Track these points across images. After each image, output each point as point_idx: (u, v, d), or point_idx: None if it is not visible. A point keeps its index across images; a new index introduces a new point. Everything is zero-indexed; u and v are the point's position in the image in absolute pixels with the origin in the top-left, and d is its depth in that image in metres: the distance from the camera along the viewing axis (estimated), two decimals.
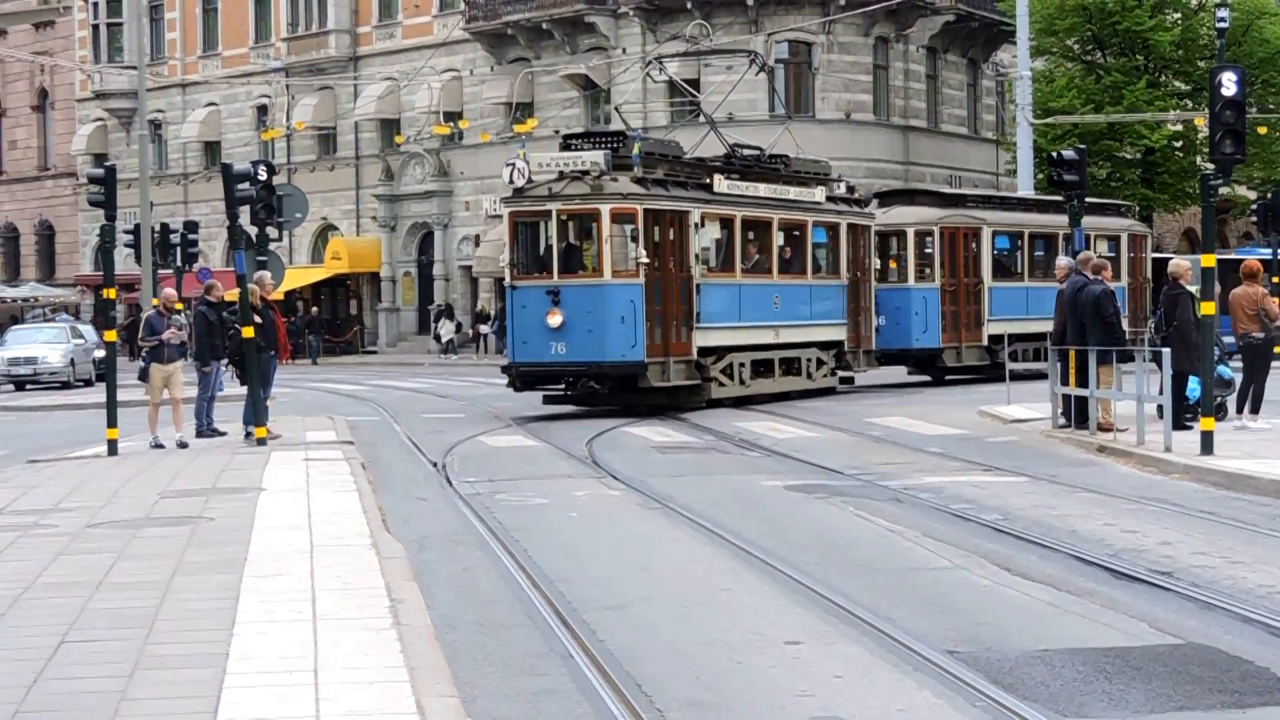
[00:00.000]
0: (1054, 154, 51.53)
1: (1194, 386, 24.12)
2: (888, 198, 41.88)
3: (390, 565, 14.83)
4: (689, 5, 61.07)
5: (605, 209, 30.72)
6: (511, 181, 31.52)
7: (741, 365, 34.20)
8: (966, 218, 42.87)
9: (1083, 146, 52.73)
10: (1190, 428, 23.71)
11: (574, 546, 17.03)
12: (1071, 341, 27.10)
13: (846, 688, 10.71)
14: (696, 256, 32.27)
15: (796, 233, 36.36)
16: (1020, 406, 32.01)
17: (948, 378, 42.71)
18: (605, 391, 32.14)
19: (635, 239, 31.10)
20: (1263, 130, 54.88)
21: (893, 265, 41.89)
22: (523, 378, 32.12)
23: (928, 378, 43.01)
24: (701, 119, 42.81)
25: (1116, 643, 11.92)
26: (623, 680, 10.76)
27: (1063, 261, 36.66)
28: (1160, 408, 24.47)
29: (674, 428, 31.11)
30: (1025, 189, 53.66)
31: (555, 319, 30.53)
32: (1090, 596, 13.71)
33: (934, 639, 11.90)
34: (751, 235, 35.06)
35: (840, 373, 39.67)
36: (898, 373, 42.85)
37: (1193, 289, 25.04)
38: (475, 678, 10.80)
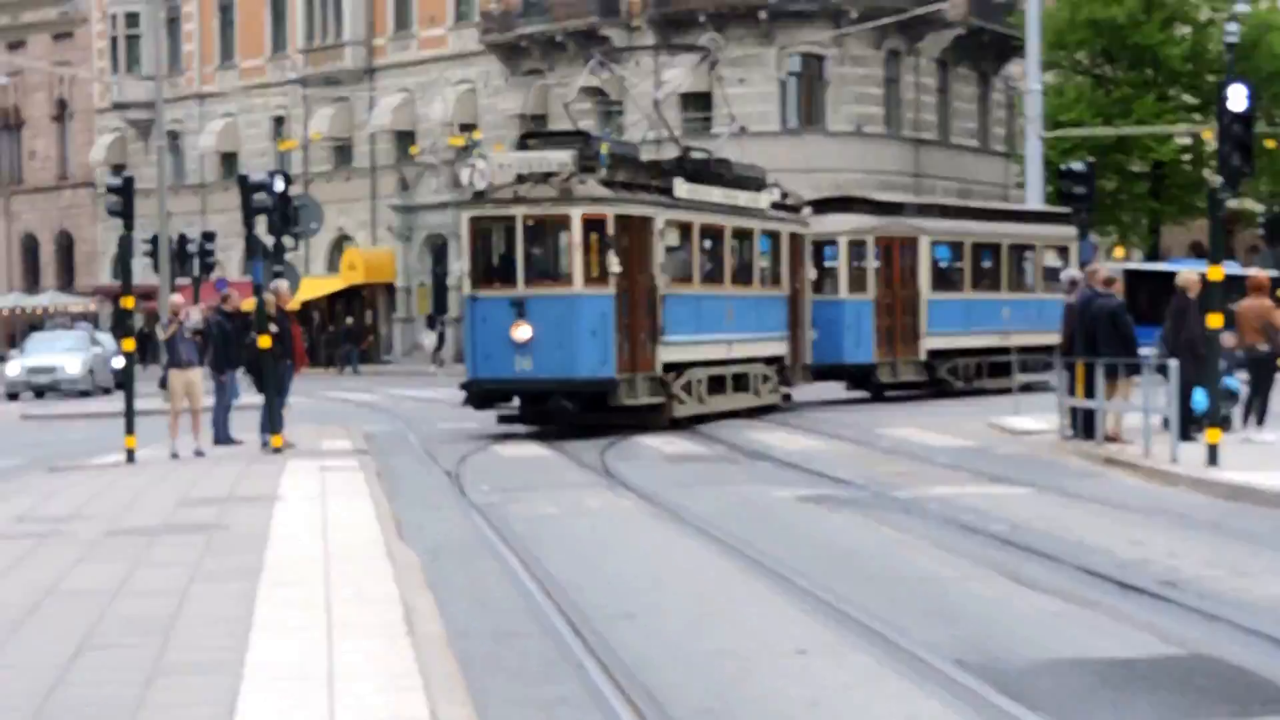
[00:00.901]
0: (1063, 167, 51.65)
1: (1200, 398, 24.09)
2: (822, 205, 40.97)
3: (404, 574, 14.86)
4: (701, 19, 61.13)
5: (577, 213, 29.08)
6: (471, 184, 30.13)
7: (699, 382, 33.11)
8: (903, 226, 41.76)
9: (1092, 160, 52.95)
10: (1196, 440, 23.70)
11: (586, 555, 17.04)
12: (1080, 354, 27.12)
13: (855, 697, 10.73)
14: (661, 266, 30.96)
15: (746, 241, 35.42)
16: (1029, 418, 31.94)
17: (886, 394, 41.86)
18: (575, 410, 29.85)
19: (607, 246, 29.34)
20: (1270, 144, 54.80)
21: (826, 276, 40.77)
22: (485, 395, 30.73)
23: (867, 394, 42.15)
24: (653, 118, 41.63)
25: (1123, 653, 11.93)
26: (634, 689, 10.79)
27: (1069, 274, 36.67)
28: (1166, 420, 24.50)
29: (685, 438, 30.99)
30: (1035, 201, 53.64)
31: (521, 332, 29.00)
32: (1096, 607, 13.72)
33: (942, 648, 11.92)
34: (708, 243, 33.98)
35: (781, 389, 38.56)
36: (835, 389, 42.35)
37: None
38: (488, 685, 10.82)
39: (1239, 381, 27.46)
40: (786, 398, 38.75)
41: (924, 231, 41.78)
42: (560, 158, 29.15)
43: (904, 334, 40.67)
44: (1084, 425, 27.09)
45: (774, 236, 36.59)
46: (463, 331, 31.84)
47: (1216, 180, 26.44)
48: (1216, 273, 24.55)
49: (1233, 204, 29.62)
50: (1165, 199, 63.92)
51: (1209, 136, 40.83)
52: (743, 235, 34.87)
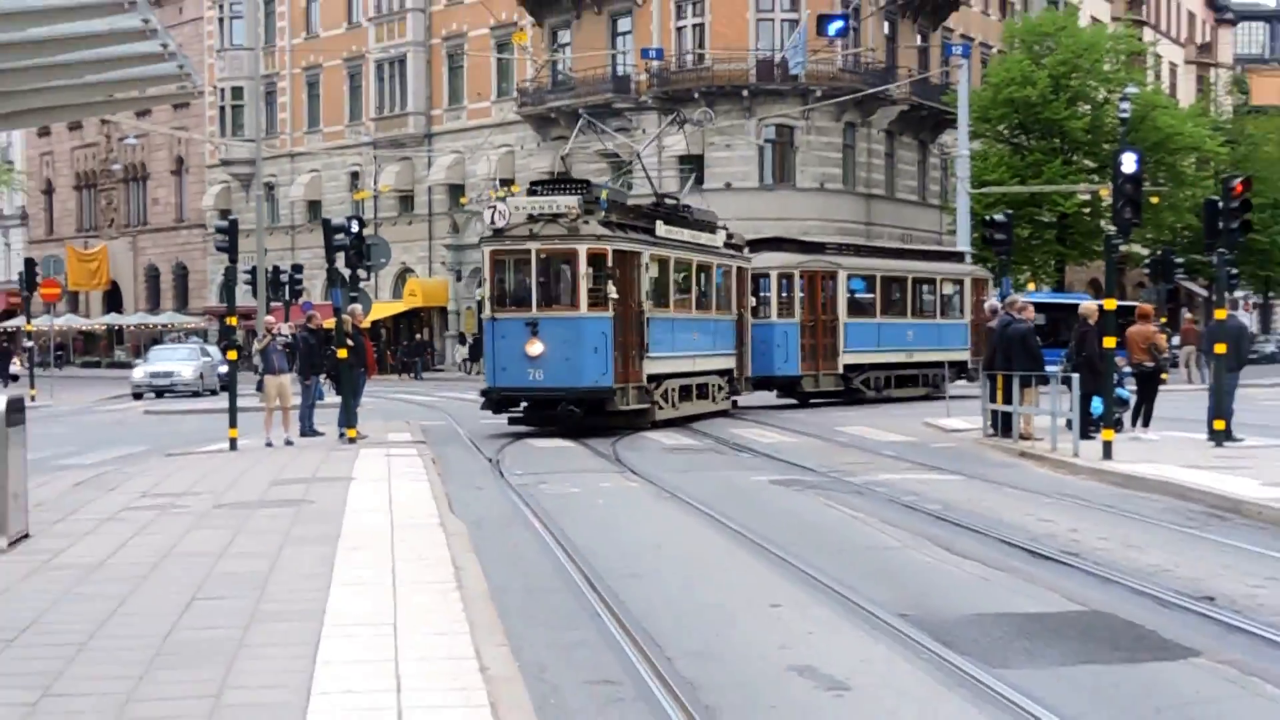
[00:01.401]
0: (987, 217, 51.62)
1: (1097, 404, 24.15)
2: (757, 244, 40.55)
3: (454, 540, 14.87)
4: (695, 95, 61.17)
5: (582, 249, 28.57)
6: (493, 223, 29.57)
7: (674, 390, 32.88)
8: (824, 262, 41.45)
9: (1010, 212, 52.98)
10: (1094, 438, 23.72)
11: (601, 527, 17.05)
12: (999, 368, 27.21)
13: (817, 642, 10.75)
14: (646, 293, 30.55)
15: (706, 273, 34.98)
16: (958, 419, 31.93)
17: (811, 401, 41.44)
18: (580, 414, 29.31)
19: (607, 276, 28.80)
20: (1155, 200, 54.82)
21: (761, 304, 40.25)
22: (501, 401, 29.93)
23: (795, 401, 41.68)
24: (638, 171, 41.14)
25: (1034, 609, 11.97)
26: (639, 634, 10.82)
27: (991, 304, 36.66)
28: (1069, 421, 24.55)
29: (682, 434, 31.04)
30: (964, 245, 53.57)
31: (534, 348, 28.34)
32: (1013, 572, 13.74)
33: (887, 604, 11.94)
34: (679, 274, 33.53)
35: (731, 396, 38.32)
36: (767, 397, 41.83)
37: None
38: (522, 631, 10.84)
39: (1129, 391, 27.50)
40: (734, 404, 38.45)
41: (841, 267, 41.59)
42: (568, 201, 28.83)
43: (825, 351, 40.48)
44: (1002, 425, 27.16)
45: (726, 270, 36.27)
46: (483, 347, 30.62)
47: (1111, 229, 26.53)
48: (1111, 304, 24.66)
49: (1124, 248, 29.52)
50: (1069, 244, 63.89)
51: (1105, 194, 40.93)
52: (704, 268, 34.57)
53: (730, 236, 38.03)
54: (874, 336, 42.34)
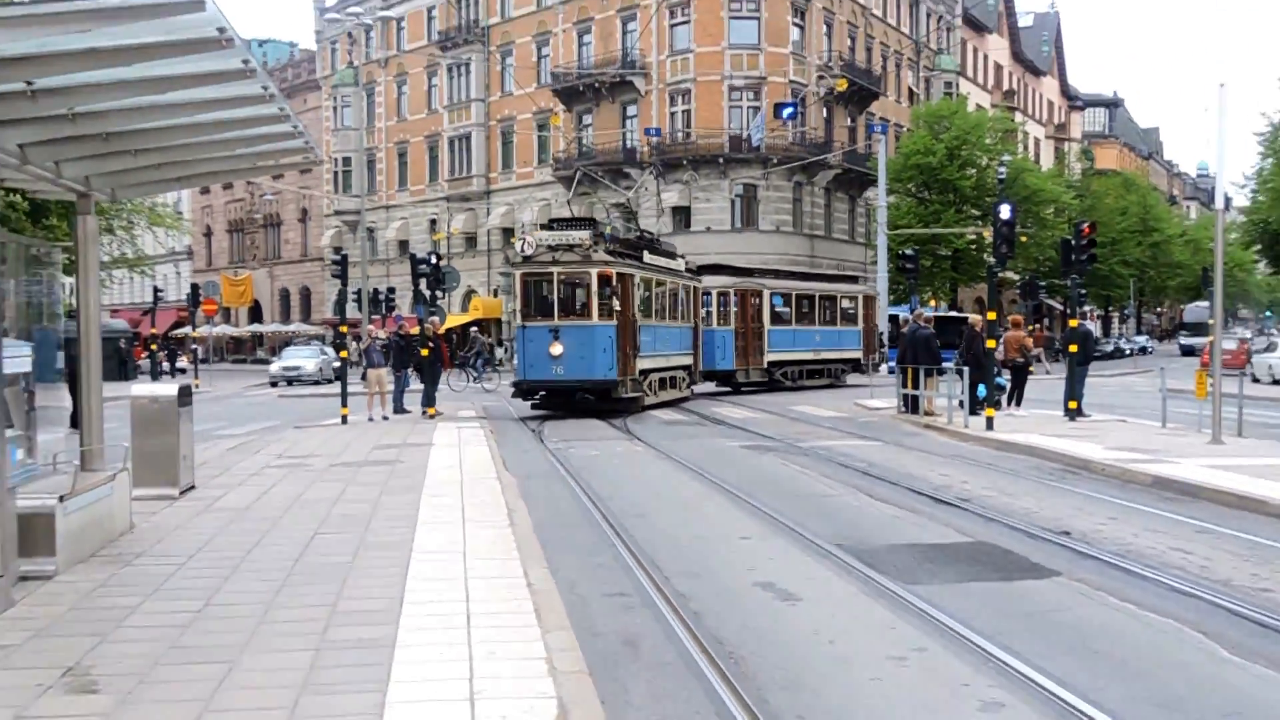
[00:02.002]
0: (900, 252, 51.73)
1: (982, 389, 24.14)
2: (703, 269, 39.59)
3: (507, 490, 14.92)
4: (684, 162, 61.22)
5: (594, 272, 27.75)
6: (522, 251, 28.61)
7: (655, 381, 32.14)
8: (753, 284, 40.92)
9: (916, 248, 53.10)
10: (979, 414, 23.70)
11: (615, 479, 17.02)
12: (909, 363, 27.27)
13: (777, 565, 10.77)
14: (638, 306, 29.98)
15: (674, 291, 34.21)
16: (879, 400, 31.84)
17: (742, 389, 40.42)
18: (592, 400, 29.07)
19: (612, 293, 28.09)
20: (1024, 239, 54.74)
21: (706, 315, 38.79)
22: (529, 390, 29.03)
23: (729, 389, 40.50)
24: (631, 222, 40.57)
25: (936, 540, 11.97)
26: (645, 559, 10.85)
27: (904, 315, 36.94)
28: (961, 402, 24.55)
29: (673, 412, 30.89)
30: (882, 274, 53.58)
31: (556, 349, 27.62)
32: (920, 513, 13.73)
33: (828, 537, 11.93)
34: (657, 292, 32.60)
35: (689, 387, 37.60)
36: (710, 386, 40.51)
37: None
38: (558, 557, 10.86)
39: (1005, 380, 27.50)
40: (692, 391, 37.50)
41: (765, 287, 41.20)
42: (581, 235, 28.34)
43: (753, 351, 40.07)
44: (911, 405, 27.10)
45: (686, 289, 35.70)
46: (515, 349, 29.80)
47: (992, 260, 26.50)
48: (992, 316, 24.77)
49: (1001, 275, 29.48)
50: (960, 271, 63.86)
51: (987, 234, 40.77)
52: (673, 287, 33.97)
53: (687, 263, 37.45)
54: (790, 340, 42.03)
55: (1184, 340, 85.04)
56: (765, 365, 40.45)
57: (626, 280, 28.75)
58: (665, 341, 32.51)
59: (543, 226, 30.68)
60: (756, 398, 36.86)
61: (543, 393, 29.17)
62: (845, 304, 45.90)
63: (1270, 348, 48.85)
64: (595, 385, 28.32)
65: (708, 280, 38.32)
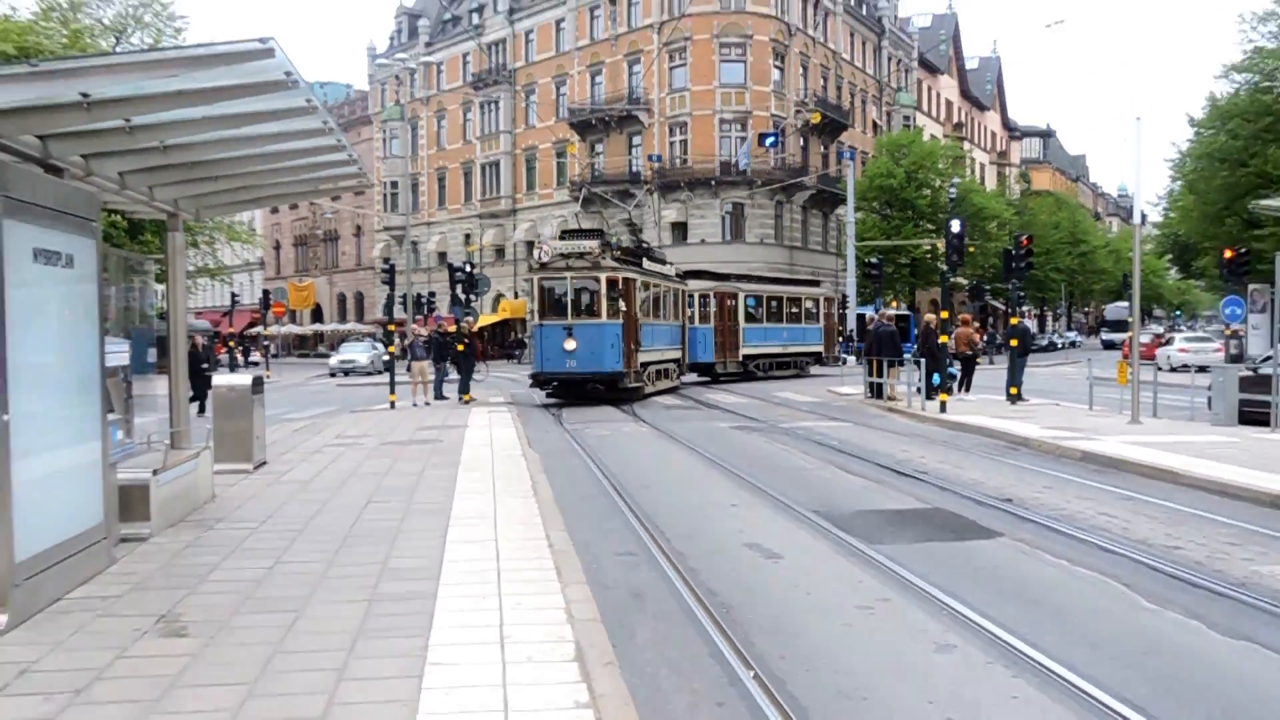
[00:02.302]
0: (866, 260, 51.65)
1: (936, 378, 24.11)
2: (688, 275, 38.61)
3: (531, 465, 14.90)
4: (681, 184, 61.15)
5: (603, 277, 27.11)
6: (539, 259, 27.99)
7: (653, 372, 31.32)
8: (730, 287, 40.03)
9: (880, 257, 52.99)
10: (934, 399, 23.68)
11: (623, 456, 17.02)
12: (874, 355, 27.28)
13: (761, 528, 10.76)
14: (639, 307, 29.11)
15: (666, 294, 33.39)
16: (848, 387, 31.81)
17: (721, 379, 39.25)
18: (602, 390, 28.16)
19: (618, 295, 27.52)
20: (972, 250, 54.61)
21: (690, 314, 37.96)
22: (548, 380, 28.10)
23: (709, 378, 39.32)
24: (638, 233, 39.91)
25: (897, 507, 11.97)
26: (649, 524, 10.85)
27: (871, 314, 36.85)
28: (919, 388, 24.54)
29: (673, 398, 30.79)
30: (851, 280, 53.46)
31: (570, 344, 26.97)
32: (884, 484, 13.73)
33: (805, 504, 11.94)
34: (654, 294, 31.71)
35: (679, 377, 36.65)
36: (692, 376, 39.23)
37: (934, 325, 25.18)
38: (575, 523, 10.86)
39: (956, 370, 27.48)
40: (681, 381, 36.56)
41: (741, 290, 40.51)
42: (590, 244, 27.93)
43: (730, 346, 39.30)
44: (876, 391, 27.10)
45: (676, 291, 35.07)
46: (532, 345, 28.89)
47: (944, 268, 26.47)
48: (944, 315, 24.67)
49: (953, 280, 29.46)
50: (917, 277, 63.77)
51: (941, 245, 40.67)
52: (665, 290, 33.19)
53: (675, 270, 36.91)
54: (762, 336, 41.36)
55: (1105, 336, 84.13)
56: (741, 358, 39.87)
57: (630, 284, 28.32)
58: (660, 337, 32.10)
59: (557, 237, 29.90)
60: (737, 385, 36.78)
61: (555, 383, 28.50)
62: (808, 304, 45.35)
63: (1168, 341, 49.12)
64: (604, 376, 27.66)
65: (692, 284, 37.88)
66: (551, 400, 29.02)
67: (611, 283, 27.35)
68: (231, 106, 8.17)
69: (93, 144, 8.68)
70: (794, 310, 44.10)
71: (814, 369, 45.14)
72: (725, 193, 62.10)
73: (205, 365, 26.73)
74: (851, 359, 42.91)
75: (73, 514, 7.89)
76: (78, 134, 8.34)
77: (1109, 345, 74.08)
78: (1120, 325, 76.83)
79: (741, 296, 40.18)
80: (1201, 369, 31.26)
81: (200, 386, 23.37)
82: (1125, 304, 78.05)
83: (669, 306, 33.89)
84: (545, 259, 27.79)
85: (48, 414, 7.49)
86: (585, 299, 27.64)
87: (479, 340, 32.49)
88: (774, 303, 42.65)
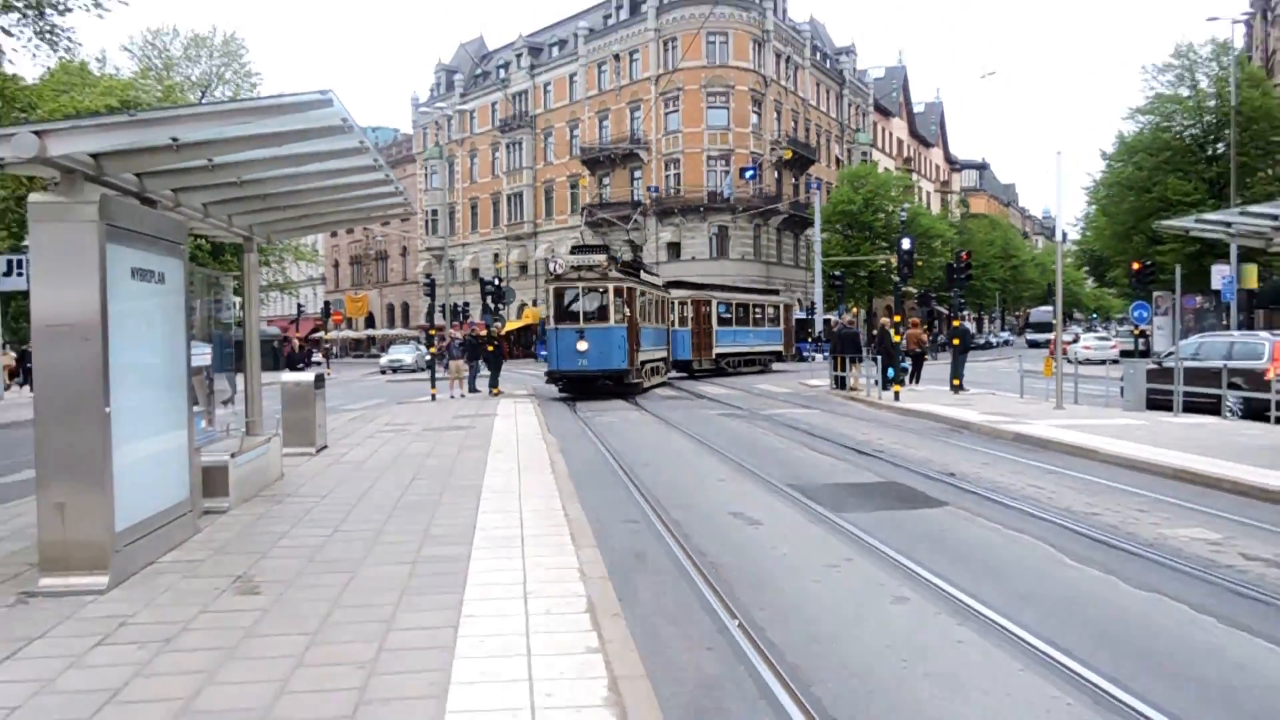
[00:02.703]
0: (831, 273, 51.58)
1: (891, 372, 24.05)
2: (670, 285, 37.45)
3: (550, 447, 14.85)
4: (675, 210, 61.06)
5: (610, 286, 26.26)
6: (552, 271, 27.04)
7: (648, 369, 30.21)
8: (705, 295, 38.68)
9: (843, 271, 52.96)
10: (889, 390, 23.63)
11: (627, 438, 16.98)
12: (839, 352, 27.25)
13: (745, 499, 10.72)
14: (639, 313, 28.34)
15: (656, 301, 32.34)
16: (816, 380, 31.81)
17: (698, 374, 37.77)
18: (611, 385, 27.24)
19: (623, 303, 26.72)
20: (920, 264, 54.38)
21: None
22: (562, 377, 26.91)
23: (687, 374, 37.57)
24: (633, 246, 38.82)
25: (859, 481, 11.92)
26: (649, 496, 10.81)
27: (836, 318, 36.73)
28: (877, 380, 24.48)
29: (668, 390, 30.74)
30: (819, 291, 53.40)
31: (582, 345, 26.01)
32: (847, 461, 13.68)
33: (781, 479, 11.90)
34: (648, 302, 30.68)
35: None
36: (672, 372, 37.60)
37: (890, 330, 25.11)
38: (586, 494, 10.82)
39: (907, 364, 27.41)
40: (669, 377, 35.73)
41: (714, 297, 39.36)
42: (599, 258, 27.07)
43: (705, 346, 38.07)
44: (840, 383, 27.03)
45: (663, 299, 34.22)
46: (548, 346, 27.54)
47: (897, 279, 26.44)
48: (897, 319, 24.63)
49: (904, 289, 29.45)
50: (874, 287, 63.56)
51: (894, 260, 40.59)
52: (655, 298, 32.23)
53: (660, 280, 36.32)
54: (732, 337, 40.24)
55: (1030, 336, 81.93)
56: (714, 356, 38.89)
57: (631, 292, 27.76)
58: (652, 339, 31.40)
59: (570, 252, 28.98)
60: (714, 379, 36.61)
61: (569, 380, 27.32)
62: (770, 310, 44.45)
63: (1075, 339, 49.29)
64: (613, 373, 26.70)
65: (674, 292, 37.09)
66: (565, 394, 28.41)
67: (617, 291, 26.56)
68: (296, 148, 8.15)
69: (181, 180, 8.68)
70: (758, 315, 43.21)
71: (775, 365, 44.39)
72: (712, 217, 62.04)
73: (301, 365, 26.74)
74: (819, 356, 42.70)
75: (164, 491, 7.88)
76: (168, 171, 8.33)
77: (1034, 344, 72.56)
78: (1044, 326, 76.57)
79: (714, 303, 39.27)
80: (1103, 362, 31.45)
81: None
82: (1048, 308, 78.12)
83: (658, 312, 33.46)
84: (559, 270, 26.98)
85: (142, 407, 7.47)
86: (595, 305, 26.79)
87: (505, 342, 32.20)
88: (741, 309, 41.72)
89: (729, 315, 40.43)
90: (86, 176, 7.12)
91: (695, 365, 37.76)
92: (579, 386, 27.50)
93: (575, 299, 26.72)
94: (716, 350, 38.94)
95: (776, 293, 50.00)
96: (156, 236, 7.72)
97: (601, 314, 26.55)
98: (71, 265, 6.67)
